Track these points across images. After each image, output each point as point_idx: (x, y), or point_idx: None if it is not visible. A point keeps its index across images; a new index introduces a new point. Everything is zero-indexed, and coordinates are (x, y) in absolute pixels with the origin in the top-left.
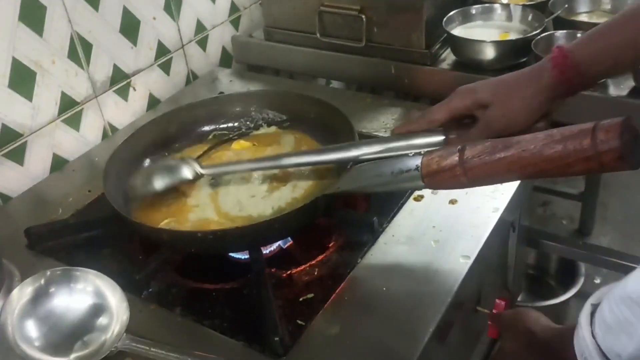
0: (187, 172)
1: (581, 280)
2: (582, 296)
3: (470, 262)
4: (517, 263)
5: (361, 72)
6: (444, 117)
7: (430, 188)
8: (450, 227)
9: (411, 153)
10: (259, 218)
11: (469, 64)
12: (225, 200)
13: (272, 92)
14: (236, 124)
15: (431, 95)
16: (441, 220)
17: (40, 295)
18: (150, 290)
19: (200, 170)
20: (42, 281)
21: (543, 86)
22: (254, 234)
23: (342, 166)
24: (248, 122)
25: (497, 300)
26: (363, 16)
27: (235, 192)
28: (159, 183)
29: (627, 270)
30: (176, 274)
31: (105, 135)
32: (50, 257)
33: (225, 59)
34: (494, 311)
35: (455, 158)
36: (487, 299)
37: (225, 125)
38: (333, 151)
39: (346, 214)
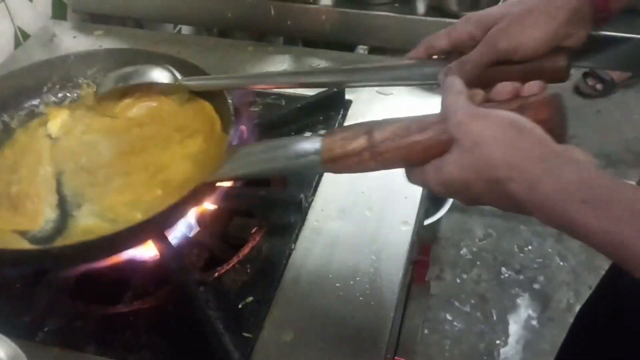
0: (163, 76)
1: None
2: (453, 211)
3: (411, 227)
4: None
5: (235, 15)
6: (445, 45)
7: (331, 172)
8: (380, 191)
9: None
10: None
11: None
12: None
13: (116, 51)
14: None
15: (319, 37)
16: (369, 183)
17: None
18: (47, 329)
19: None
20: None
21: (565, 5)
22: (121, 240)
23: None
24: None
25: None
26: None
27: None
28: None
29: None
30: (75, 299)
31: None
32: None
33: (59, 8)
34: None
35: (362, 141)
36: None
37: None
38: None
39: (266, 194)
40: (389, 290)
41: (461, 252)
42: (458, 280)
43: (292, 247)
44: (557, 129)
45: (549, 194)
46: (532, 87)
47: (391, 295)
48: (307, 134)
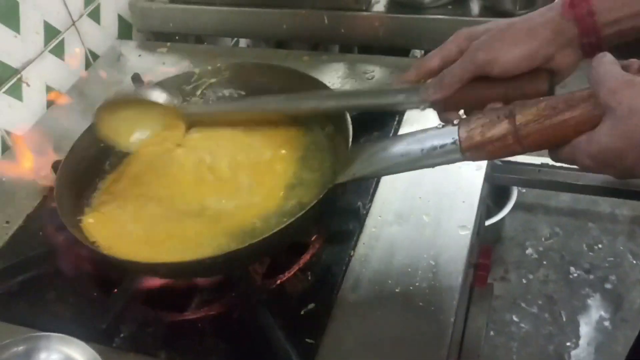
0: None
1: (514, 197)
2: (517, 209)
3: (469, 232)
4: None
5: (290, 27)
6: (437, 64)
7: (471, 160)
8: (437, 196)
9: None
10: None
11: (407, 3)
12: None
13: (223, 67)
14: None
15: (372, 42)
16: (426, 188)
17: None
18: (122, 335)
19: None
20: None
21: (547, 23)
22: (263, 248)
23: (341, 150)
24: None
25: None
26: None
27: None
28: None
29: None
30: (147, 307)
31: (5, 147)
32: None
33: (125, 29)
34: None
35: (505, 125)
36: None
37: None
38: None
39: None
40: (449, 294)
41: (526, 251)
42: (524, 281)
43: (351, 253)
44: None
45: None
46: None
47: (451, 300)
48: (439, 124)
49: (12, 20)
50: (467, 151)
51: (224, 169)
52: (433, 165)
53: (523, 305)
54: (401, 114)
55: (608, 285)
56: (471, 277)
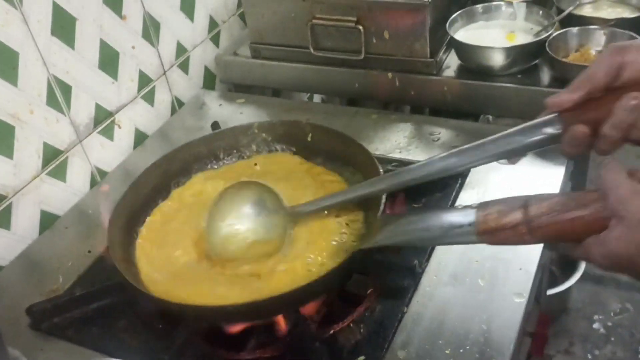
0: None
1: (582, 267)
2: (585, 280)
3: (525, 300)
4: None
5: (362, 86)
6: (578, 96)
7: (487, 244)
8: (494, 261)
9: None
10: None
11: (477, 70)
12: None
13: (277, 123)
14: (238, 160)
15: (440, 105)
16: (483, 253)
17: None
18: None
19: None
20: None
21: None
22: (288, 301)
23: (371, 218)
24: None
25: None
26: (361, 27)
27: None
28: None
29: None
30: (205, 344)
31: (93, 182)
32: (59, 338)
33: (209, 80)
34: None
35: (518, 215)
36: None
37: (227, 162)
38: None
39: (382, 258)
40: None
41: (594, 325)
42: (589, 356)
43: (405, 310)
44: None
45: None
46: None
47: None
48: (459, 205)
49: (111, 68)
50: (482, 234)
51: None
52: (451, 244)
53: None
54: (464, 176)
55: None
56: (528, 346)
